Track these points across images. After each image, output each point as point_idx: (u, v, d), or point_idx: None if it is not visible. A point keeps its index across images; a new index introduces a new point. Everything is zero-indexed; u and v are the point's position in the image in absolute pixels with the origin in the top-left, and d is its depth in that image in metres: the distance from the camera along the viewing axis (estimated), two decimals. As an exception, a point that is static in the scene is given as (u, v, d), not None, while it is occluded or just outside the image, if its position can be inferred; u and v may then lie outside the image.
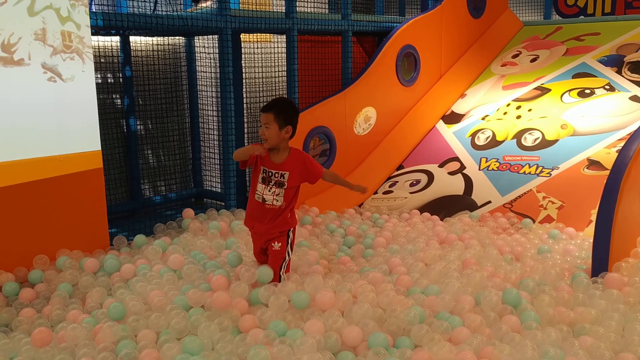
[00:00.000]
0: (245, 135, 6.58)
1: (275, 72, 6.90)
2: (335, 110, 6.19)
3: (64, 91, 4.33)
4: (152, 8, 5.55)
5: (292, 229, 3.72)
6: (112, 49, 5.99)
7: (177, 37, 6.57)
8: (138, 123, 6.31)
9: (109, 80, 6.08)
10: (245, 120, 6.58)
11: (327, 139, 6.16)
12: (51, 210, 4.37)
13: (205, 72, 6.68)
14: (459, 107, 7.21)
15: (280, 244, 3.62)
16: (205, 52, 6.55)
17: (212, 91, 6.76)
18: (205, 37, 6.51)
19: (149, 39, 6.27)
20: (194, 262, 4.01)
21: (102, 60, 5.90)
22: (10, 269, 4.09)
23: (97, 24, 4.60)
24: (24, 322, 3.43)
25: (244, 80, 6.52)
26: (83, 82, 4.45)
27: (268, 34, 6.87)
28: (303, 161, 3.65)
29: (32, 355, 2.93)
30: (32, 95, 4.17)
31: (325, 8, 7.69)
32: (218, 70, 5.82)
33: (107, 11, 5.27)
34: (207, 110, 6.84)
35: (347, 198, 6.11)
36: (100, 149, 4.66)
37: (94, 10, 4.97)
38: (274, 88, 6.93)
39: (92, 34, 4.43)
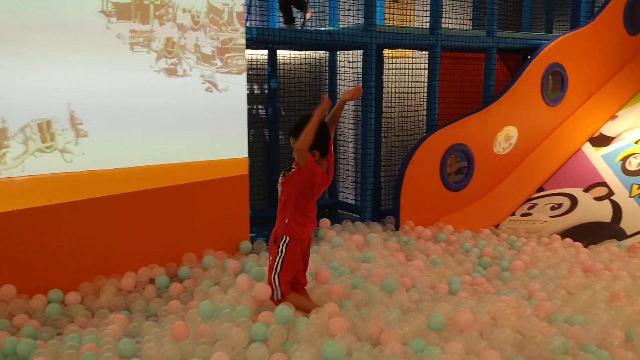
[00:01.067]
0: (382, 150, 6.63)
1: (415, 87, 6.90)
2: (475, 128, 6.07)
3: (218, 101, 4.63)
4: (302, 23, 5.78)
5: (283, 240, 3.37)
6: (260, 61, 6.30)
7: (321, 51, 6.77)
8: (280, 133, 6.57)
9: (256, 92, 6.39)
10: (383, 135, 6.64)
11: (465, 156, 6.06)
12: (200, 211, 4.66)
13: (346, 85, 6.82)
14: (608, 129, 6.79)
15: (271, 257, 3.45)
16: (347, 67, 6.69)
17: (350, 104, 6.88)
18: (348, 51, 6.65)
19: (294, 53, 6.52)
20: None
21: (251, 72, 6.22)
22: (162, 263, 4.42)
23: (252, 37, 4.87)
24: (170, 312, 3.69)
25: (384, 95, 6.59)
26: (236, 93, 4.73)
27: (410, 50, 6.90)
28: (303, 167, 3.29)
29: (176, 345, 3.11)
30: (192, 105, 4.50)
31: (469, 24, 7.58)
32: (359, 83, 5.92)
33: (260, 26, 5.56)
34: (345, 123, 6.98)
35: (483, 217, 5.97)
36: (247, 156, 4.92)
37: (248, 25, 5.26)
38: (413, 103, 6.93)
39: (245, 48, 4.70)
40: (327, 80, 6.84)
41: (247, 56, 6.05)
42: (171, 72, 4.35)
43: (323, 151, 3.36)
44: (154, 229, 4.41)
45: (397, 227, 5.57)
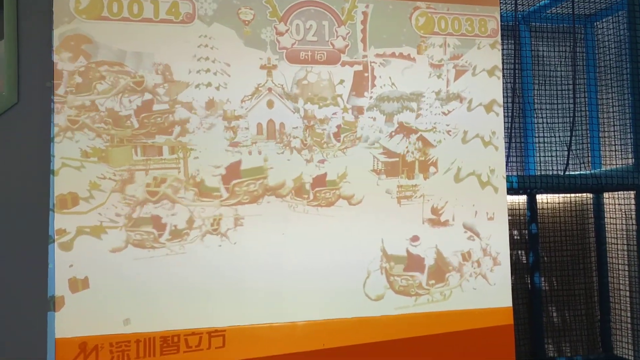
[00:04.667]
0: (664, 298, 5.92)
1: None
2: None
3: (480, 249, 4.64)
4: (564, 169, 5.68)
5: None
6: (518, 207, 6.24)
7: (584, 194, 6.49)
8: (542, 279, 6.28)
9: (515, 237, 6.28)
10: (663, 281, 5.95)
11: None
12: (464, 361, 4.57)
13: (615, 226, 6.36)
14: None
15: None
16: (616, 208, 6.28)
17: (623, 246, 6.36)
18: (617, 192, 6.27)
19: (554, 196, 6.35)
20: None
21: (509, 217, 6.17)
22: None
23: (512, 186, 4.90)
24: None
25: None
26: (498, 241, 4.71)
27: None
28: None
29: None
30: (454, 253, 4.59)
31: None
32: (631, 225, 5.49)
33: (520, 175, 5.59)
34: (617, 267, 6.42)
35: None
36: (511, 305, 4.76)
37: (507, 173, 5.33)
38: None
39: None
40: (592, 224, 6.46)
41: (511, 204, 6.11)
42: (435, 222, 4.54)
43: None
44: (418, 378, 4.42)
45: (694, 392, 4.79)
